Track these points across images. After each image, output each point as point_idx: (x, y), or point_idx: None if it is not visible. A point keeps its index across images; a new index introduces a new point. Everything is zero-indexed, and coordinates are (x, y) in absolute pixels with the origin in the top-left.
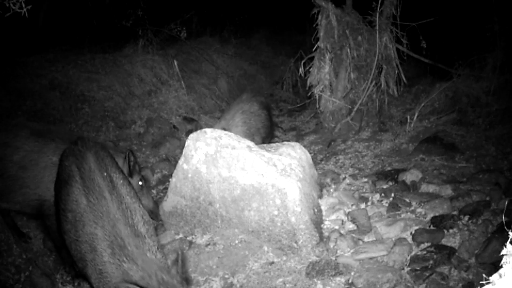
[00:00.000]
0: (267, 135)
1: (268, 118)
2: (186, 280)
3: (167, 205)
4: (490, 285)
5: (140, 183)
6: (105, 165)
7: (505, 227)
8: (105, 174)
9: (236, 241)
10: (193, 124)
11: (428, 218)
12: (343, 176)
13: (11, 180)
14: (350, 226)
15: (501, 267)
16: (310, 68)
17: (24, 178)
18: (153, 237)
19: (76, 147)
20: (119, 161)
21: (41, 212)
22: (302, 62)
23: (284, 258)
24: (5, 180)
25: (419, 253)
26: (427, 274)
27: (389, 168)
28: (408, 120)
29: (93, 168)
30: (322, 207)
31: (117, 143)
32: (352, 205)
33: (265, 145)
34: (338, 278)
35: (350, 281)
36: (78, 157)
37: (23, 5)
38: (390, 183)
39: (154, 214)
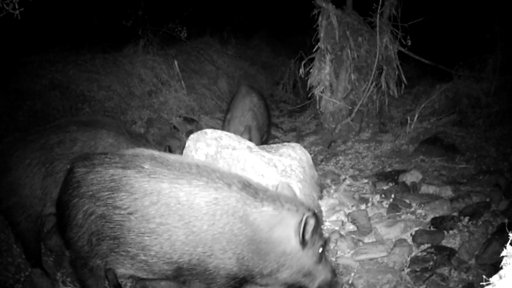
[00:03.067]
0: (268, 124)
1: (266, 107)
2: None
3: None
4: (490, 286)
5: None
6: None
7: (506, 228)
8: None
9: None
10: (193, 124)
11: (428, 219)
12: (343, 177)
13: None
14: (350, 227)
15: (501, 268)
16: (310, 69)
17: None
18: None
19: None
20: None
21: None
22: (303, 63)
23: None
24: None
25: (419, 254)
26: (427, 275)
27: (389, 169)
28: (409, 121)
29: None
30: (322, 208)
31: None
32: (352, 206)
33: (265, 146)
34: (338, 279)
35: (350, 282)
36: None
37: (17, 6)
38: (390, 184)
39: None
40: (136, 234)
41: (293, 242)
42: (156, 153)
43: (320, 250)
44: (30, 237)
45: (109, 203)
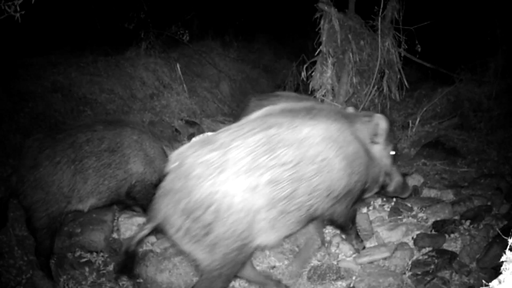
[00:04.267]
0: None
1: None
2: None
3: None
4: None
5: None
6: None
7: (503, 235)
8: None
9: None
10: (195, 127)
11: (430, 222)
12: None
13: (104, 168)
14: None
15: (501, 273)
16: (312, 72)
17: (115, 160)
18: None
19: None
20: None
21: (129, 192)
22: (305, 66)
23: (286, 262)
24: (98, 169)
25: (421, 257)
26: (428, 279)
27: None
28: (410, 125)
29: None
30: None
31: None
32: None
33: None
34: (339, 283)
35: (351, 285)
36: None
37: (18, 8)
38: None
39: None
40: (307, 180)
41: (376, 145)
42: (278, 107)
43: (393, 152)
44: (47, 234)
45: (272, 165)
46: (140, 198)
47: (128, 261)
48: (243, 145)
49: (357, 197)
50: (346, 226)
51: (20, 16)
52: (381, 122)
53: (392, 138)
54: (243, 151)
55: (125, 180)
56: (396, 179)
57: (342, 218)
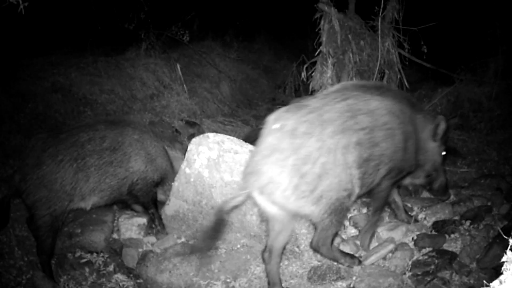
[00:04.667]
0: None
1: None
2: None
3: (169, 209)
4: None
5: (444, 153)
6: None
7: (504, 235)
8: None
9: (238, 246)
10: (195, 128)
11: (430, 223)
12: None
13: (106, 166)
14: (352, 231)
15: (502, 273)
16: (312, 72)
17: (116, 158)
18: None
19: None
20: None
21: (131, 190)
22: (305, 66)
23: (286, 262)
24: (100, 167)
25: (421, 258)
26: (429, 279)
27: None
28: None
29: None
30: None
31: None
32: (354, 209)
33: None
34: (339, 283)
35: (351, 285)
36: None
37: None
38: None
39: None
40: (379, 145)
41: (431, 141)
42: (351, 82)
43: (444, 153)
44: (49, 232)
45: (356, 129)
46: (141, 195)
47: (217, 228)
48: (333, 110)
49: (401, 175)
50: (380, 203)
51: (20, 16)
52: (442, 124)
53: (446, 140)
54: (335, 114)
55: (126, 178)
56: (442, 178)
57: (384, 192)
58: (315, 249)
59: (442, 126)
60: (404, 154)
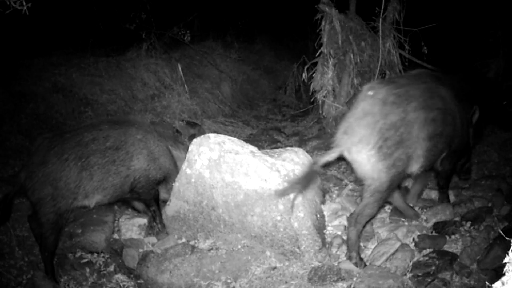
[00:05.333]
0: None
1: None
2: None
3: (170, 210)
4: None
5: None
6: None
7: (505, 236)
8: None
9: (239, 246)
10: (196, 128)
11: (431, 224)
12: (346, 181)
13: (108, 165)
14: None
15: (504, 274)
16: (313, 73)
17: (119, 157)
18: None
19: None
20: None
21: (133, 187)
22: (305, 67)
23: (287, 263)
24: (103, 166)
25: (421, 259)
26: (429, 280)
27: None
28: None
29: None
30: (325, 213)
31: None
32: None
33: (268, 150)
34: (340, 284)
35: (352, 286)
36: None
37: (24, 3)
38: None
39: None
40: (450, 125)
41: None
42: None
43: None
44: (53, 229)
45: (433, 108)
46: (143, 193)
47: (309, 178)
48: (418, 89)
49: (457, 157)
50: (445, 182)
51: (21, 16)
52: (477, 112)
53: (480, 127)
54: (418, 92)
55: (128, 176)
56: (471, 161)
57: (447, 172)
58: (349, 222)
59: (477, 114)
60: (461, 139)
